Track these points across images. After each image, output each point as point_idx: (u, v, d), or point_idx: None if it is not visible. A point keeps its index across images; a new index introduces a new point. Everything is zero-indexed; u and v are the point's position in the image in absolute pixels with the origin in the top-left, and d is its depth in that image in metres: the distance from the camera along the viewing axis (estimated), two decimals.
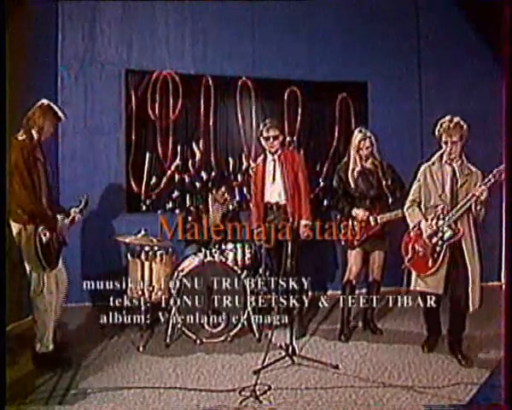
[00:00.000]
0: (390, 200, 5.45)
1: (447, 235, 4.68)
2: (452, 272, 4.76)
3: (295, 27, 7.15)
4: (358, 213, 5.40)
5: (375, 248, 5.52)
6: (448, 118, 4.73)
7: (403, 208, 5.32)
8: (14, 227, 4.50)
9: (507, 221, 3.98)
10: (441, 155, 4.83)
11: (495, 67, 7.28)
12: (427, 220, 4.77)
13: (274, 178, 5.64)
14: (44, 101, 4.65)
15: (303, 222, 5.52)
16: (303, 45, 7.21)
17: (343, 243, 5.56)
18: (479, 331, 5.39)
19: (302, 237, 5.47)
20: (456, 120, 4.71)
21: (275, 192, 5.66)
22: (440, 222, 4.71)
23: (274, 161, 5.65)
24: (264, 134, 5.63)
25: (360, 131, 5.49)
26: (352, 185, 5.46)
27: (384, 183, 5.43)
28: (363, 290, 5.82)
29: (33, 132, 4.55)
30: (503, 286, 4.25)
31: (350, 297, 5.51)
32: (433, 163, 4.87)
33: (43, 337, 4.61)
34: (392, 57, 7.35)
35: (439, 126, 4.75)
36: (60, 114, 4.70)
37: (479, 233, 4.81)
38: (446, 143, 4.70)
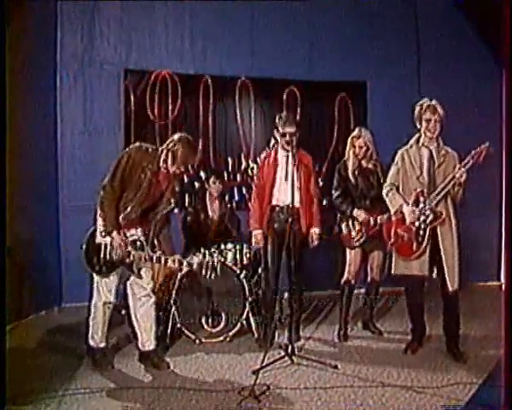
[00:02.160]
0: None
1: (430, 218, 4.69)
2: (435, 255, 4.77)
3: (294, 27, 7.17)
4: (360, 214, 5.39)
5: (374, 249, 5.51)
6: (426, 99, 4.81)
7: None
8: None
9: (507, 221, 3.99)
10: (418, 139, 4.88)
11: (495, 67, 7.30)
12: (408, 204, 4.78)
13: (286, 178, 5.09)
14: (182, 135, 4.61)
15: (316, 230, 5.31)
16: (302, 45, 7.23)
17: (343, 243, 5.55)
18: (478, 331, 5.39)
19: (311, 245, 5.33)
20: (434, 102, 4.77)
21: (286, 193, 5.07)
22: (421, 205, 4.72)
23: (287, 158, 5.18)
24: (280, 130, 5.16)
25: (359, 130, 5.50)
26: (353, 183, 5.45)
27: (383, 183, 5.42)
28: (363, 290, 5.84)
29: (161, 156, 4.50)
30: (503, 286, 4.25)
31: (348, 297, 5.53)
32: (411, 146, 4.91)
33: (93, 334, 4.68)
34: (391, 57, 7.37)
35: (419, 108, 4.82)
36: (196, 150, 4.68)
37: (458, 215, 4.82)
38: (429, 120, 4.75)
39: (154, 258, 4.52)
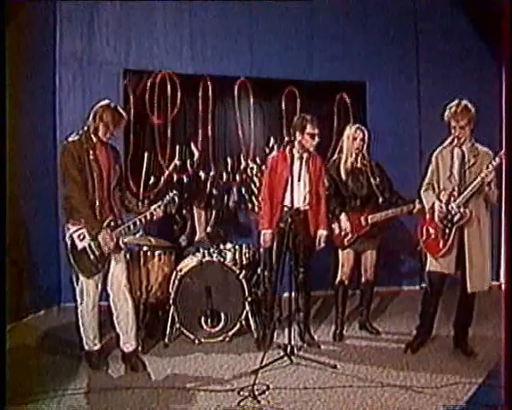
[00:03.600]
0: (380, 200, 5.45)
1: (456, 217, 4.71)
2: (461, 255, 4.79)
3: (294, 27, 7.16)
4: (346, 223, 5.39)
5: (366, 249, 5.52)
6: (456, 102, 4.75)
7: (392, 208, 5.42)
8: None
9: (507, 221, 3.98)
10: (452, 140, 4.86)
11: (494, 67, 7.30)
12: (440, 202, 4.80)
13: (299, 180, 5.09)
14: (104, 101, 4.58)
15: (323, 232, 5.28)
16: (301, 45, 7.22)
17: (335, 243, 5.54)
18: (477, 331, 5.38)
19: (318, 247, 5.29)
20: (463, 103, 4.72)
21: (298, 195, 5.11)
22: (451, 204, 4.74)
23: (301, 159, 5.14)
24: (310, 130, 5.11)
25: (357, 125, 5.51)
26: (344, 182, 5.43)
27: (373, 182, 5.42)
28: (358, 291, 5.85)
29: (90, 132, 4.51)
30: (503, 286, 4.26)
31: (343, 297, 5.53)
32: (444, 147, 4.91)
33: (86, 339, 4.69)
34: (390, 57, 7.37)
35: (447, 111, 4.77)
36: (122, 112, 4.62)
37: (490, 215, 4.85)
38: (454, 128, 4.73)
39: (132, 225, 4.61)
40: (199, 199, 6.37)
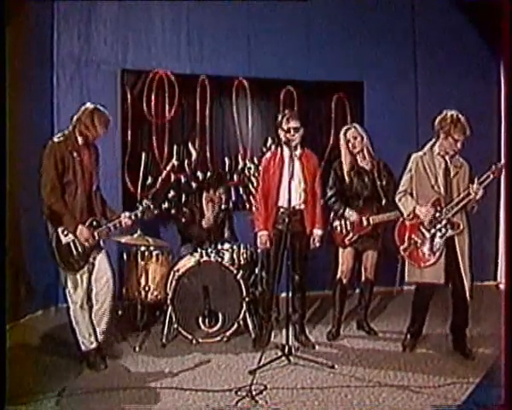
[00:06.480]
0: (383, 201, 5.43)
1: (446, 228, 4.70)
2: (451, 264, 4.77)
3: (291, 27, 7.16)
4: (352, 214, 5.38)
5: (367, 248, 5.52)
6: (452, 113, 4.72)
7: (396, 210, 5.23)
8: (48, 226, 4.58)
9: (507, 221, 4.00)
10: (432, 147, 4.84)
11: (492, 67, 7.30)
12: (425, 212, 4.75)
13: (293, 178, 4.92)
14: (89, 104, 4.66)
15: (318, 232, 5.25)
16: (299, 45, 7.22)
17: (336, 241, 5.54)
18: (474, 330, 5.38)
19: (313, 246, 5.26)
20: (462, 119, 4.68)
21: (293, 194, 4.94)
22: (437, 214, 4.72)
23: (292, 158, 4.97)
24: (284, 125, 5.08)
25: (349, 124, 5.55)
26: (348, 183, 5.44)
27: (379, 183, 5.41)
28: (357, 291, 5.84)
29: (76, 134, 4.57)
30: (503, 286, 4.26)
31: (341, 297, 5.53)
32: (425, 153, 4.86)
33: (82, 339, 4.68)
34: (388, 57, 7.37)
35: (449, 121, 4.68)
36: (107, 114, 4.68)
37: (470, 225, 4.83)
38: (457, 141, 4.66)
39: (112, 226, 4.68)
40: (209, 190, 6.40)
